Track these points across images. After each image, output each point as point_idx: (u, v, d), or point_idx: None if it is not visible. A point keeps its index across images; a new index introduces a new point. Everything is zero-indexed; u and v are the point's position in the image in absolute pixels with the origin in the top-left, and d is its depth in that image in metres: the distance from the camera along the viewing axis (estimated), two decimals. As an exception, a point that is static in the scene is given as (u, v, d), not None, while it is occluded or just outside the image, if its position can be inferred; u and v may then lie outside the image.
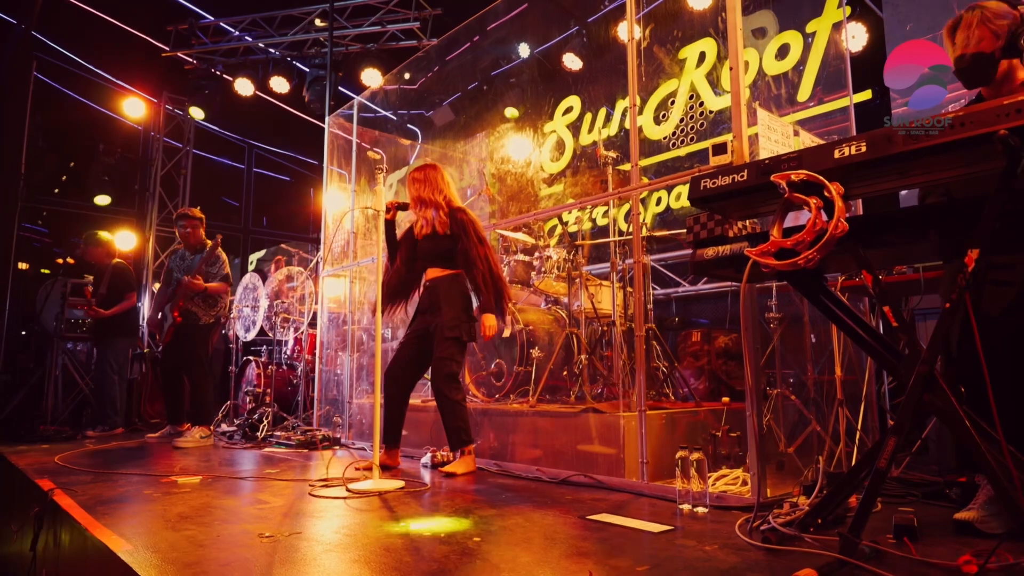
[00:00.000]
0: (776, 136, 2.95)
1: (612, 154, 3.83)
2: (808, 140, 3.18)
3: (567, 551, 1.94)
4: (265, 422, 5.28)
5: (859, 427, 3.01)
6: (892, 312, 1.74)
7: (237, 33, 7.83)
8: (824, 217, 1.74)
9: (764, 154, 2.84)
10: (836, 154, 1.75)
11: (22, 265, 7.74)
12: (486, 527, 2.25)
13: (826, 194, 1.72)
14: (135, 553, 1.91)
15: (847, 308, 2.10)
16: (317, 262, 6.19)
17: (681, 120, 5.19)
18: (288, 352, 6.54)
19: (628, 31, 3.23)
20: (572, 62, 6.49)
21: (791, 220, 2.76)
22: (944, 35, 2.34)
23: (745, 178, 1.96)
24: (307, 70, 7.76)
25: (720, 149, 2.75)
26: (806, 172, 1.77)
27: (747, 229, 2.41)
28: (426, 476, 3.46)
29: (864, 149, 1.70)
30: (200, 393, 5.18)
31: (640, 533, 2.17)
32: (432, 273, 3.60)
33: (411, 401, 4.82)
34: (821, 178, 1.73)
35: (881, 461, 1.69)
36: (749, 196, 2.00)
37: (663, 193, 5.76)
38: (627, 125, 6.19)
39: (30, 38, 7.61)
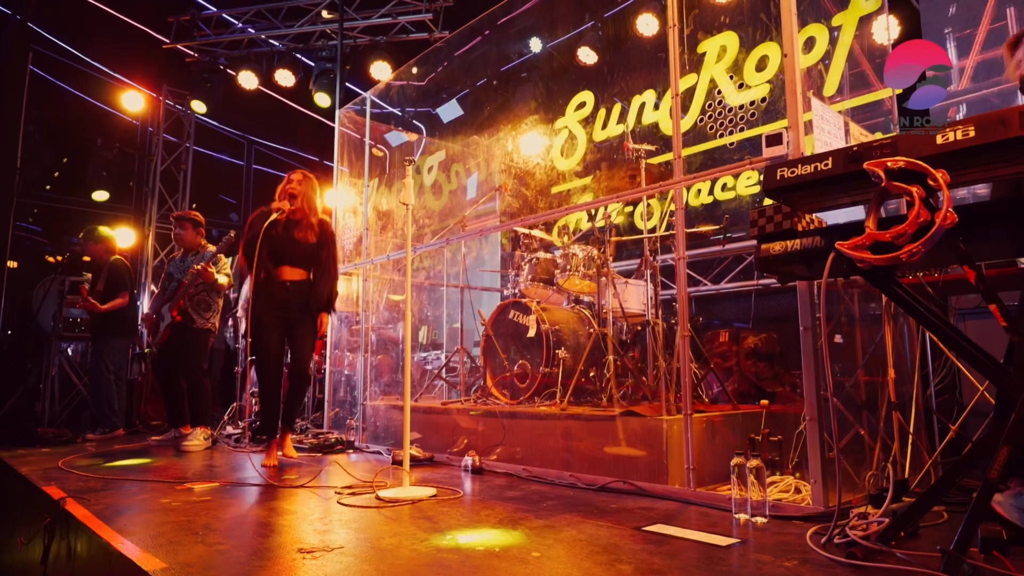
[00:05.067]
0: (828, 127, 2.82)
1: (647, 147, 3.68)
2: (858, 132, 3.05)
3: (639, 568, 1.80)
4: (275, 425, 5.09)
5: (911, 431, 2.88)
6: (1000, 311, 1.61)
7: (241, 25, 7.63)
8: (924, 208, 1.60)
9: (819, 146, 2.71)
10: (939, 139, 1.62)
11: (11, 264, 7.48)
12: (540, 540, 2.11)
13: (930, 183, 1.58)
14: (171, 571, 1.75)
15: (926, 306, 1.97)
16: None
17: (702, 117, 5.05)
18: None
19: (670, 16, 3.09)
20: (587, 56, 6.33)
21: (837, 216, 2.64)
22: (1004, 49, 2.45)
23: (830, 166, 1.82)
24: (312, 63, 7.56)
25: (775, 139, 2.62)
26: (906, 159, 1.63)
27: (814, 223, 2.28)
28: (464, 481, 3.29)
29: (973, 134, 1.57)
30: (199, 395, 5.03)
31: (707, 547, 2.03)
32: (295, 275, 3.95)
33: (429, 404, 4.69)
34: (925, 165, 1.59)
35: (993, 472, 1.56)
36: (831, 186, 1.87)
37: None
38: (644, 121, 6.10)
39: (26, 29, 7.38)
